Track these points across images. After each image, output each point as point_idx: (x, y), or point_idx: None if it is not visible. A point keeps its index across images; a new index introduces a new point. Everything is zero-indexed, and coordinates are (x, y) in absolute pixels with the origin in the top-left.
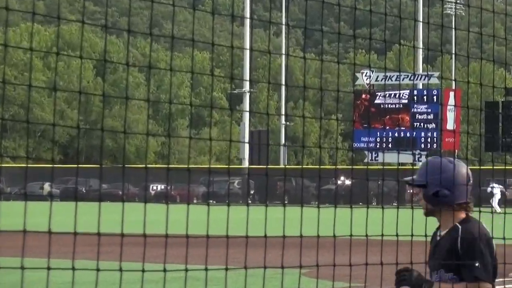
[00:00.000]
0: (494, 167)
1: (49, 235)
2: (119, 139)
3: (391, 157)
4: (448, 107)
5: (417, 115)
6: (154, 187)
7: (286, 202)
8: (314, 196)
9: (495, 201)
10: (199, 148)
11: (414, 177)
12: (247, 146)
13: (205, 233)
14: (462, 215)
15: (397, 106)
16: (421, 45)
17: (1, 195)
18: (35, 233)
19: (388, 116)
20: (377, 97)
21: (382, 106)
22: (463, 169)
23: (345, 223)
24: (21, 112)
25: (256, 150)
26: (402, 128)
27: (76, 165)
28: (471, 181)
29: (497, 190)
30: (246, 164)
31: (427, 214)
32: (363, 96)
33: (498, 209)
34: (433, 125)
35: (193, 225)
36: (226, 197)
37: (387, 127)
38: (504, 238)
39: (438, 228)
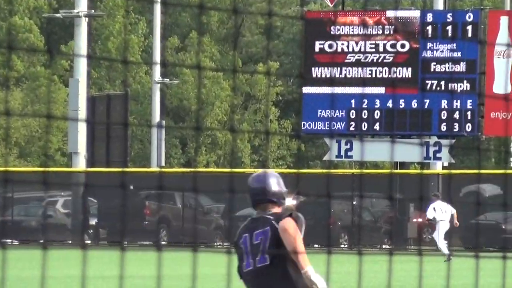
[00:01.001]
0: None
1: None
2: None
3: (377, 151)
4: (497, 49)
5: (432, 65)
6: None
7: (163, 242)
8: (222, 231)
9: (438, 233)
10: None
11: None
12: (83, 127)
13: None
14: None
15: (390, 46)
16: None
17: None
18: None
19: (372, 68)
20: (351, 26)
21: (360, 44)
22: None
23: None
24: None
25: (103, 136)
26: (401, 90)
27: None
28: None
29: (440, 210)
30: (80, 165)
31: None
32: (323, 24)
33: (445, 250)
34: (466, 86)
35: None
36: (40, 233)
37: (371, 89)
38: None
39: None
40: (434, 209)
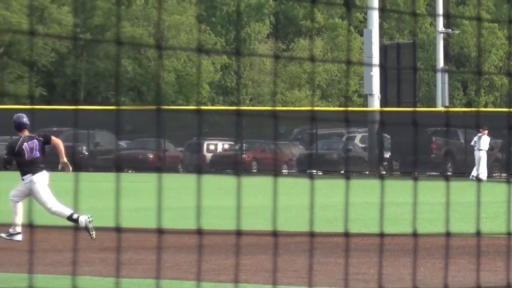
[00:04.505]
0: None
1: (30, 231)
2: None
3: None
4: None
5: None
6: (212, 147)
7: (449, 172)
8: (500, 164)
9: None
10: (289, 77)
11: None
12: (377, 71)
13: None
14: None
15: None
16: None
17: None
18: (3, 230)
19: None
20: None
21: None
22: None
23: None
24: None
25: (394, 79)
26: None
27: (72, 107)
28: None
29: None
30: (375, 104)
31: None
32: None
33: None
34: None
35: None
36: (338, 165)
37: None
38: None
39: None
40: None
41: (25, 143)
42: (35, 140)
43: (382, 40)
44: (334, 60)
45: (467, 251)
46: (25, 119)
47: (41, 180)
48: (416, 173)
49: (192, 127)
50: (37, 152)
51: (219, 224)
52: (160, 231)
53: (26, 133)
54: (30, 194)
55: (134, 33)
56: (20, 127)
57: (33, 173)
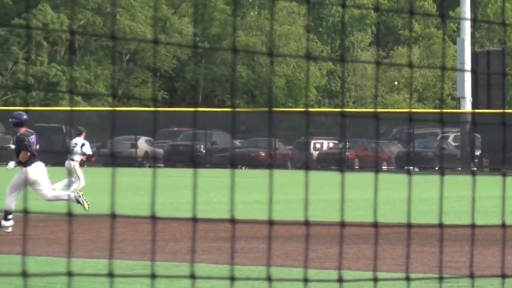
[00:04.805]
0: None
1: (152, 223)
2: (257, 62)
3: None
4: None
5: None
6: (318, 145)
7: None
8: None
9: None
10: (388, 81)
11: None
12: (468, 76)
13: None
14: None
15: None
16: None
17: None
18: (128, 221)
19: None
20: None
21: None
22: None
23: None
24: (97, 21)
25: (484, 84)
26: None
27: (191, 109)
28: None
29: None
30: (467, 106)
31: None
32: None
33: None
34: None
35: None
36: (433, 162)
37: None
38: None
39: None
40: None
41: (30, 137)
42: (34, 136)
43: (473, 48)
44: (430, 66)
45: None
46: (25, 116)
47: (37, 170)
48: (505, 169)
49: (300, 127)
50: (36, 146)
51: (324, 216)
52: (270, 222)
53: (25, 128)
54: (27, 184)
55: (248, 41)
56: (22, 123)
57: (30, 164)
